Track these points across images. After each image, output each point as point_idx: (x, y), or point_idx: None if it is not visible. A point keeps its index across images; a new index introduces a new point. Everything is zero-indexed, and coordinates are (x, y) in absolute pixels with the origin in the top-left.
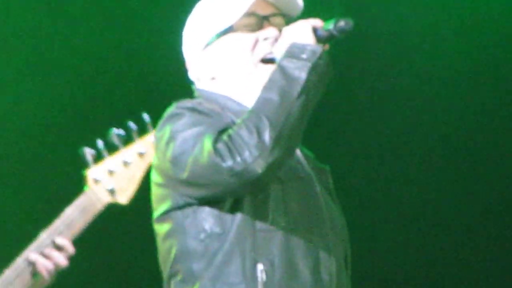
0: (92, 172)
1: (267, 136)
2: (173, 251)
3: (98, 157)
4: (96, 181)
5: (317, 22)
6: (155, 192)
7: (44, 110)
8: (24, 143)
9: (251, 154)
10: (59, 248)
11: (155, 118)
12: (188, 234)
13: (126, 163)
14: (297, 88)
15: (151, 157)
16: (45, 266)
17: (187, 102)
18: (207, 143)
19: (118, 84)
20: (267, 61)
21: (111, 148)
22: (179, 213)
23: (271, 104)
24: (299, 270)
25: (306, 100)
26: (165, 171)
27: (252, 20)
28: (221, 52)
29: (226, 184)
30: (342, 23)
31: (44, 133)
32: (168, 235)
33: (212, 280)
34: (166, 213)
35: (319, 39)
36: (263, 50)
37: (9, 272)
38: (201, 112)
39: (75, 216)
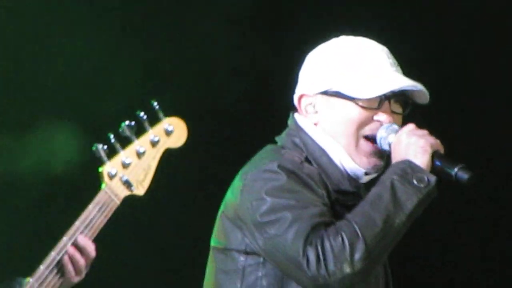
0: (107, 168)
1: (358, 257)
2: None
3: (112, 152)
4: (111, 176)
5: (439, 146)
6: (223, 221)
7: None
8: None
9: (336, 271)
10: (80, 249)
11: (164, 105)
12: (245, 281)
13: (139, 154)
14: (402, 218)
15: (165, 144)
16: (67, 268)
17: (288, 162)
18: (299, 240)
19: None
20: (369, 138)
21: (125, 141)
22: (242, 257)
23: (372, 227)
24: None
25: (405, 227)
26: (244, 219)
27: (376, 99)
28: (336, 110)
29: (300, 281)
30: (465, 176)
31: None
32: (223, 270)
33: None
34: (229, 249)
35: (434, 168)
36: (371, 130)
37: (33, 279)
38: (299, 179)
39: (94, 214)
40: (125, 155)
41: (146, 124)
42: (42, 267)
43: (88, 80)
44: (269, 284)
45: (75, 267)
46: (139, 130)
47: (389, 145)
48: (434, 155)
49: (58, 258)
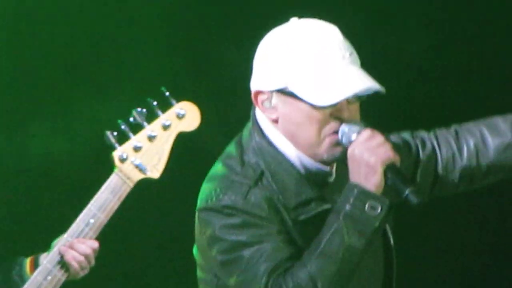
0: (117, 152)
1: None
2: None
3: (124, 139)
4: (122, 160)
5: (392, 159)
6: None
7: None
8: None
9: None
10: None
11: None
12: None
13: (151, 138)
14: (358, 254)
15: (177, 127)
16: (74, 257)
17: (236, 195)
18: (256, 285)
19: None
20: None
21: (136, 128)
22: (215, 279)
23: (327, 272)
24: None
25: (363, 256)
26: (207, 259)
27: None
28: (295, 110)
29: None
30: (414, 200)
31: None
32: (200, 278)
33: None
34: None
35: (386, 184)
36: (331, 128)
37: (46, 262)
38: (247, 215)
39: (107, 197)
40: (136, 139)
41: (158, 110)
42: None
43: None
44: None
45: (77, 259)
46: (151, 116)
47: (350, 143)
48: (387, 170)
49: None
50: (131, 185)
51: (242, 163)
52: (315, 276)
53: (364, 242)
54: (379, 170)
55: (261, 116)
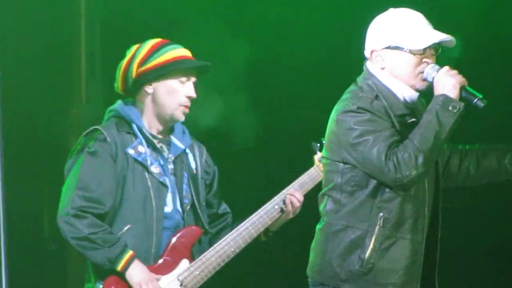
0: (317, 156)
1: (420, 163)
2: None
3: (322, 148)
4: (320, 160)
5: (464, 83)
6: (327, 141)
7: None
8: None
9: (408, 174)
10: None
11: None
12: (343, 177)
13: None
14: (445, 133)
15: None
16: (291, 201)
17: (363, 103)
18: (381, 155)
19: None
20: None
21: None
22: (340, 164)
23: (427, 142)
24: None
25: (447, 138)
26: (342, 141)
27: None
28: (398, 58)
29: (383, 181)
30: (481, 104)
31: None
32: (329, 171)
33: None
34: (332, 160)
35: (461, 98)
36: (422, 68)
37: (256, 213)
38: (372, 114)
39: (306, 180)
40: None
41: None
42: (269, 205)
43: None
44: (360, 178)
45: (293, 208)
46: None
47: (433, 78)
48: (462, 89)
49: (280, 203)
50: (320, 179)
51: (362, 90)
52: (419, 146)
53: (448, 128)
54: (458, 87)
55: (372, 66)
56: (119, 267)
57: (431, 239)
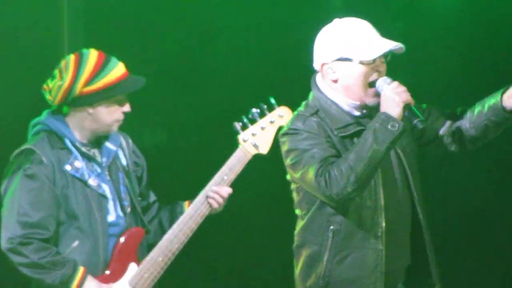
0: (241, 135)
1: (352, 181)
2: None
3: (244, 127)
4: (244, 140)
5: (409, 101)
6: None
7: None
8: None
9: (340, 191)
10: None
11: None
12: (300, 193)
13: (262, 128)
14: (381, 152)
15: (278, 123)
16: (216, 197)
17: (301, 122)
18: (314, 173)
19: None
20: (372, 84)
21: (253, 121)
22: (294, 185)
23: (361, 161)
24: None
25: (383, 157)
26: (286, 165)
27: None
28: (349, 69)
29: (322, 199)
30: (420, 124)
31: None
32: (292, 189)
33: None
34: (293, 183)
35: (403, 116)
36: (372, 78)
37: (192, 205)
38: (306, 132)
39: (234, 163)
40: (253, 128)
41: (266, 111)
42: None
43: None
44: (309, 195)
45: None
46: (262, 114)
47: (383, 90)
48: (405, 108)
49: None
50: (249, 156)
51: (306, 106)
52: (352, 165)
53: (385, 147)
54: (401, 105)
55: (320, 80)
56: (73, 287)
57: (416, 237)
